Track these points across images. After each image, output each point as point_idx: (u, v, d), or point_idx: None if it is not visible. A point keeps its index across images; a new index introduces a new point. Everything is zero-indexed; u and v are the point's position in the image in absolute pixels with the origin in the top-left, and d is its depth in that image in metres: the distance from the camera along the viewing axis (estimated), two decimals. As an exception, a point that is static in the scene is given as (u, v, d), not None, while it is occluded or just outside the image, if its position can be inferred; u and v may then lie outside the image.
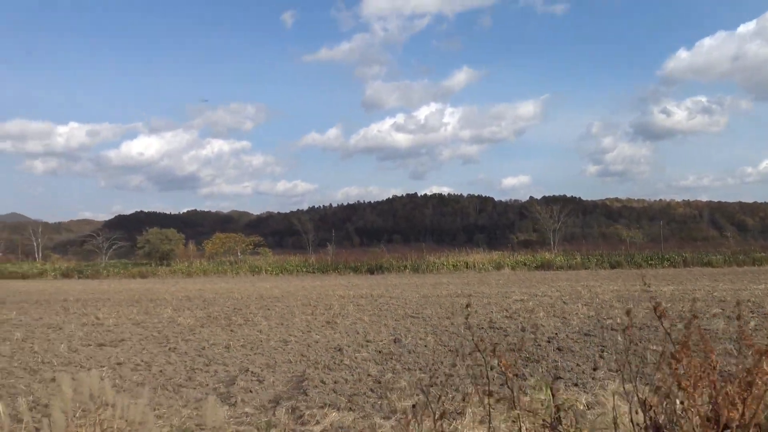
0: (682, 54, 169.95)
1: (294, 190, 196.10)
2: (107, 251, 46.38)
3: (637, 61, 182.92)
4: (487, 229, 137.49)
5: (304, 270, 41.87)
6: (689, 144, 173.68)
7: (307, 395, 6.85)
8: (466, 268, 39.73)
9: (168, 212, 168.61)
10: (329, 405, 6.34)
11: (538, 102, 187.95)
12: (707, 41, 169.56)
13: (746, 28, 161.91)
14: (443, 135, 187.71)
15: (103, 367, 8.68)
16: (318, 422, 5.74)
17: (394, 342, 10.33)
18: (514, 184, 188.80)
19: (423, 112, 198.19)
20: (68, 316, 15.64)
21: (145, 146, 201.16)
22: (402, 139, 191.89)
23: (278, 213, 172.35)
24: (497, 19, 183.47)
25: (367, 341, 10.48)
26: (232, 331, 12.26)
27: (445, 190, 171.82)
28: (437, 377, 7.47)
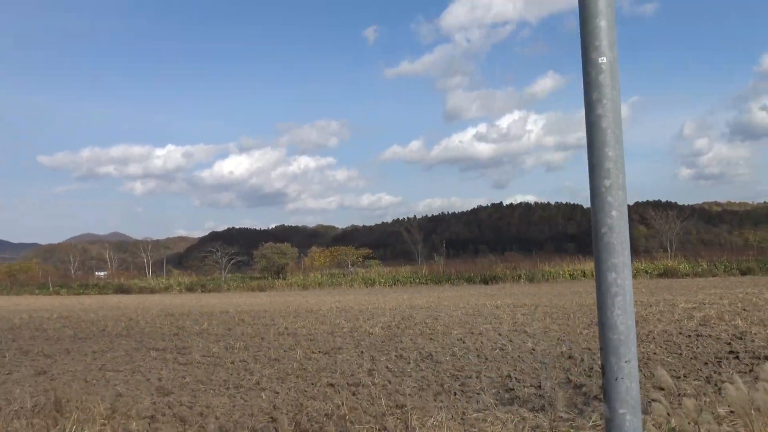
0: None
1: (378, 203, 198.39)
2: (225, 266, 48.37)
3: (732, 58, 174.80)
4: (577, 238, 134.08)
5: (417, 281, 42.23)
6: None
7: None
8: (584, 276, 38.98)
9: (257, 228, 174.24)
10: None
11: (627, 105, 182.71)
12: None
13: None
14: (526, 143, 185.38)
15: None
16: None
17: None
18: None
19: (505, 121, 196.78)
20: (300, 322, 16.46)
21: (236, 165, 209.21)
22: (484, 148, 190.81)
23: (363, 226, 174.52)
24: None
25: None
26: (460, 340, 12.55)
27: (529, 199, 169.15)
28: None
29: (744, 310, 15.55)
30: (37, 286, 50.53)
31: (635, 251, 69.99)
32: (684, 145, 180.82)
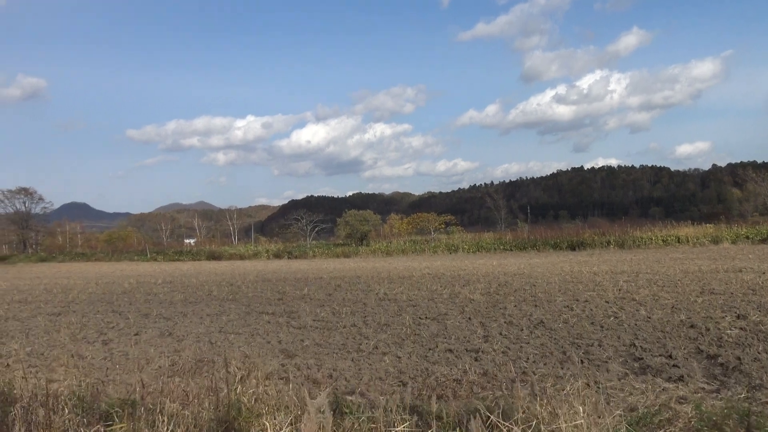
0: None
1: (454, 169, 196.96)
2: (310, 233, 49.42)
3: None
4: (664, 201, 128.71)
5: (501, 248, 41.74)
6: None
7: None
8: (678, 242, 37.38)
9: (335, 195, 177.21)
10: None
11: (719, 60, 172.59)
12: None
13: None
14: (609, 104, 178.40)
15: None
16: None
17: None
18: (691, 151, 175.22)
19: (586, 81, 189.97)
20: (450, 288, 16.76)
21: (313, 134, 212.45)
22: (563, 111, 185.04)
23: (440, 192, 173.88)
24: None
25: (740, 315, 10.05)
26: (567, 307, 12.37)
27: (612, 162, 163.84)
28: None
29: None
30: (135, 253, 53.32)
31: (729, 215, 66.53)
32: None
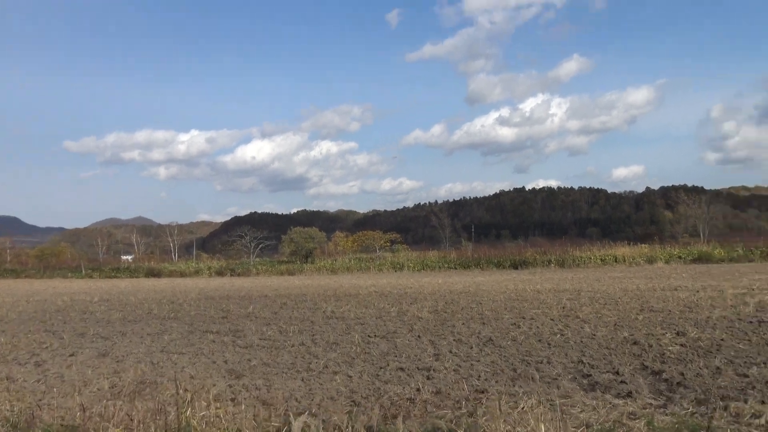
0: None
1: (399, 188, 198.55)
2: (254, 250, 48.61)
3: (761, 40, 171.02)
4: (601, 223, 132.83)
5: (446, 266, 42.08)
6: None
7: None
8: (615, 262, 38.59)
9: (280, 212, 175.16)
10: None
11: (653, 88, 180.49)
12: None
13: None
14: (549, 127, 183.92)
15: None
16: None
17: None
18: (626, 175, 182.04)
19: (529, 104, 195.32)
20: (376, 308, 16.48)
21: (258, 150, 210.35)
22: (506, 132, 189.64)
23: (385, 211, 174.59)
24: (609, 3, 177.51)
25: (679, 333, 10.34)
26: (514, 325, 12.45)
27: (552, 183, 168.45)
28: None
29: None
30: (69, 269, 51.19)
31: (661, 236, 69.17)
32: (710, 128, 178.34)
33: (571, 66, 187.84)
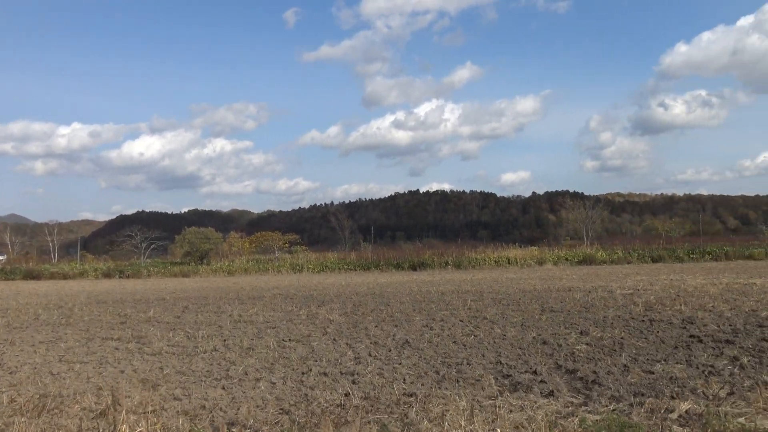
0: (681, 48, 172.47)
1: (295, 189, 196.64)
2: (145, 251, 46.32)
3: (636, 56, 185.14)
4: (491, 225, 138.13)
5: (345, 267, 42.13)
6: (688, 138, 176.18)
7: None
8: (508, 263, 40.24)
9: (169, 212, 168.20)
10: None
11: (539, 98, 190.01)
12: (706, 35, 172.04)
13: (746, 21, 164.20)
14: (443, 131, 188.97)
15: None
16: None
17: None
18: (514, 179, 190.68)
19: (423, 109, 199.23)
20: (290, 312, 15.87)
21: (147, 146, 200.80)
22: (402, 136, 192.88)
23: (280, 211, 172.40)
24: (500, 15, 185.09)
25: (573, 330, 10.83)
26: (427, 326, 12.55)
27: (445, 187, 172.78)
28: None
29: (678, 296, 16.54)
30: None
31: (547, 239, 72.93)
32: (590, 137, 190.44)
33: (464, 73, 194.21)
